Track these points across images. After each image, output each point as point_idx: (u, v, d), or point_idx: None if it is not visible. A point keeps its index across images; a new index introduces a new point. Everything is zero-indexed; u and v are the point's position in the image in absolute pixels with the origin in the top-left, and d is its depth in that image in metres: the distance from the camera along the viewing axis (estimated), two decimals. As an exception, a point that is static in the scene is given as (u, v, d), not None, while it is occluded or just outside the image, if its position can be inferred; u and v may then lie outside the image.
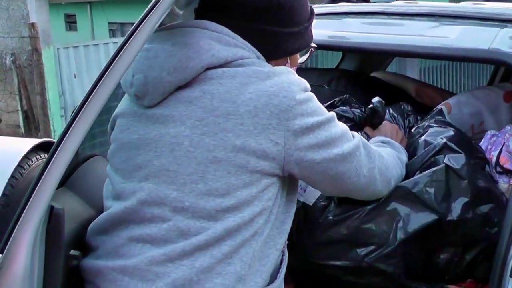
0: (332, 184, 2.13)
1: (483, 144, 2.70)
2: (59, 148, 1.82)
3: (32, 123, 11.75)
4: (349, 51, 3.80)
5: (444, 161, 2.39)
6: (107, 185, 2.17)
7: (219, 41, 2.01)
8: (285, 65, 2.15)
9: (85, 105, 1.82)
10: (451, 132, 2.53)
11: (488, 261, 2.33)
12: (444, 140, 2.47)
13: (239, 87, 1.97)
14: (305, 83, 2.05)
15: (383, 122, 2.73)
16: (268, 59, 2.11)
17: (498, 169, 2.58)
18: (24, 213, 1.82)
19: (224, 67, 2.01)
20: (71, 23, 19.22)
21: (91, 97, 1.81)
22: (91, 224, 2.13)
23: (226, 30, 2.04)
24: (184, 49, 1.99)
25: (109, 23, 18.08)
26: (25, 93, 11.61)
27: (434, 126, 2.59)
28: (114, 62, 1.81)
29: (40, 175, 1.83)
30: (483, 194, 2.40)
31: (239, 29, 2.05)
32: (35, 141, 2.43)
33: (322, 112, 2.06)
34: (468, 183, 2.38)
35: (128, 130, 2.09)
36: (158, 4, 1.82)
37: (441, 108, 2.73)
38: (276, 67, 2.06)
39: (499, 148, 2.61)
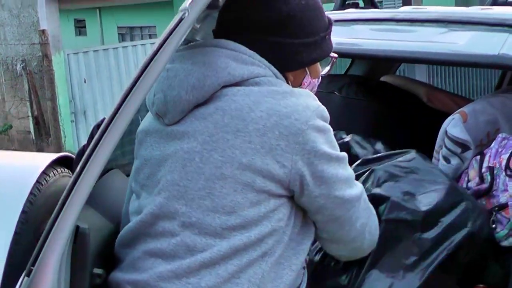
0: (324, 222, 2.10)
1: (493, 146, 2.70)
2: (86, 167, 1.81)
3: (42, 128, 11.80)
4: (359, 58, 3.80)
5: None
6: (133, 202, 2.17)
7: (235, 60, 2.02)
8: (304, 77, 2.14)
9: (111, 124, 1.82)
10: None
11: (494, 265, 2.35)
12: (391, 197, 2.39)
13: (251, 105, 1.97)
14: (323, 111, 2.02)
15: None
16: (285, 71, 2.10)
17: (508, 172, 2.59)
18: (50, 235, 1.80)
19: (240, 85, 2.01)
20: (80, 28, 19.26)
21: (116, 116, 1.81)
22: (118, 237, 2.15)
23: (243, 48, 2.04)
24: (202, 68, 2.01)
25: (118, 27, 18.11)
26: (35, 99, 11.66)
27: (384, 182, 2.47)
28: (140, 78, 1.82)
29: (66, 195, 1.82)
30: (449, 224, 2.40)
31: (255, 43, 2.05)
32: (52, 156, 2.45)
33: (335, 147, 2.04)
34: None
35: (152, 147, 2.10)
36: (181, 22, 1.83)
37: (411, 151, 2.69)
38: (296, 89, 2.05)
39: (510, 151, 2.62)
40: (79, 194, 1.81)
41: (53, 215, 1.82)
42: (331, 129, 2.04)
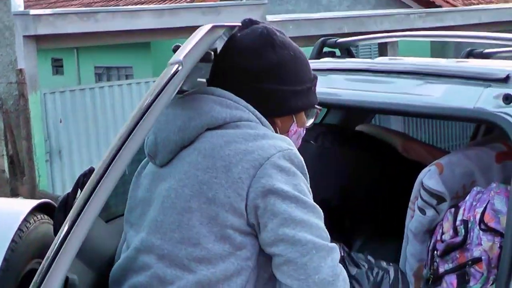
0: (279, 265, 2.02)
1: (468, 200, 2.71)
2: (78, 220, 1.82)
3: (17, 168, 11.70)
4: (334, 107, 3.82)
5: None
6: (126, 245, 2.24)
7: (220, 104, 2.13)
8: (291, 124, 2.24)
9: (104, 175, 1.85)
10: None
11: None
12: None
13: (222, 144, 2.07)
14: (293, 156, 2.07)
15: None
16: (273, 117, 2.20)
17: (482, 226, 2.59)
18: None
19: (221, 128, 2.11)
20: (57, 67, 19.21)
21: (110, 166, 1.85)
22: (110, 275, 2.21)
23: (229, 94, 2.15)
24: (189, 111, 2.14)
25: (95, 67, 18.10)
26: (10, 138, 11.58)
27: None
28: (135, 129, 1.89)
29: (58, 247, 1.81)
30: None
31: (245, 90, 2.16)
32: (32, 203, 2.47)
33: (299, 191, 2.03)
34: None
35: (145, 188, 2.22)
36: (176, 75, 1.93)
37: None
38: (272, 133, 2.13)
39: (484, 206, 2.62)
40: (71, 246, 1.82)
41: (43, 268, 1.81)
42: (301, 175, 2.06)
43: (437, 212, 2.83)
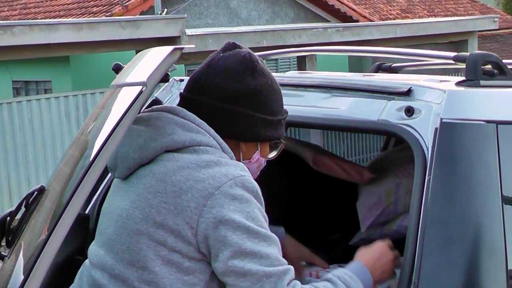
0: None
1: None
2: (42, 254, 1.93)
3: None
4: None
5: None
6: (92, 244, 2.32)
7: (182, 127, 2.17)
8: (254, 152, 2.28)
9: (73, 197, 1.95)
10: None
11: None
12: None
13: (175, 169, 2.10)
14: (247, 182, 2.09)
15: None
16: (240, 141, 2.24)
17: None
18: None
19: (179, 151, 2.14)
20: (-27, 81, 18.88)
21: (80, 184, 1.96)
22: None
23: (193, 116, 2.19)
24: (152, 131, 2.20)
25: (13, 81, 17.81)
26: None
27: None
28: (105, 145, 1.99)
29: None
30: None
31: (218, 109, 2.20)
32: None
33: (251, 219, 2.05)
34: None
35: (108, 197, 2.31)
36: (141, 95, 2.02)
37: None
38: (226, 160, 2.14)
39: None
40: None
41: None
42: (255, 201, 2.09)
43: None
